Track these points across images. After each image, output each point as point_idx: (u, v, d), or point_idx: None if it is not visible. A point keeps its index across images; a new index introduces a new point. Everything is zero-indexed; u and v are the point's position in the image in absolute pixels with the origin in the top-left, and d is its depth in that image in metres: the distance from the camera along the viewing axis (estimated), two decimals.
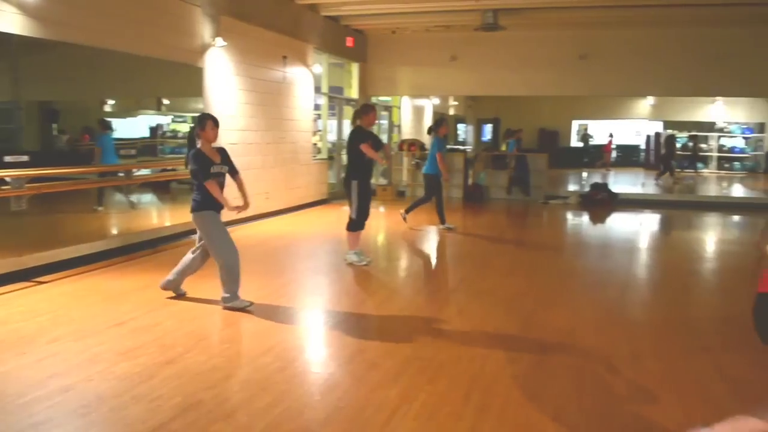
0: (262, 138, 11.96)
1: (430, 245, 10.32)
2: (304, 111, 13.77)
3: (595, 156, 28.13)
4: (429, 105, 23.20)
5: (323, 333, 5.65)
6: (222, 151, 6.13)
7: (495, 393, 4.19)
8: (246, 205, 6.22)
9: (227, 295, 6.03)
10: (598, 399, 4.15)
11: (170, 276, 6.31)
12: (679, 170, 22.51)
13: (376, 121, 8.26)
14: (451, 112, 26.66)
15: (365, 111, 8.10)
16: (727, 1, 12.85)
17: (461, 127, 29.23)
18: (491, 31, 14.45)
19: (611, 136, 27.29)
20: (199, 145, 5.96)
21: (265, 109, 12.14)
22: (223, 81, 10.79)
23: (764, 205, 15.78)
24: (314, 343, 5.45)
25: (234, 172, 6.20)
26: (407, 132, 20.76)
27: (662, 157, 22.60)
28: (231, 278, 6.00)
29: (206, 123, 5.91)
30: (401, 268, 8.64)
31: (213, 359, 4.78)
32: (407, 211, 11.33)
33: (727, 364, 4.85)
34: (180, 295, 6.36)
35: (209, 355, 4.87)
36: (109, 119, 9.84)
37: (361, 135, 7.92)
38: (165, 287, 6.33)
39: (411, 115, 21.60)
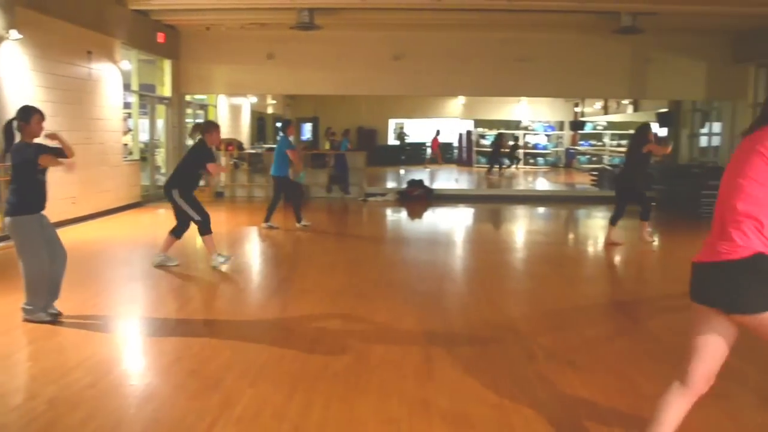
0: (67, 139, 11.18)
1: (252, 246, 10.17)
2: (112, 110, 13.07)
3: (411, 154, 29.12)
4: (247, 104, 22.85)
5: (139, 343, 5.39)
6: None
7: (318, 390, 4.19)
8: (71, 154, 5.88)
9: (29, 306, 5.58)
10: (419, 388, 4.26)
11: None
12: (506, 166, 24.03)
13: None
14: (270, 110, 26.43)
15: (210, 128, 8.02)
16: (530, 8, 13.70)
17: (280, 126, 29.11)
18: (307, 30, 14.47)
19: (438, 133, 28.12)
20: (18, 140, 5.49)
21: (70, 108, 11.38)
22: (20, 77, 9.97)
23: (566, 196, 17.08)
24: (129, 353, 5.18)
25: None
26: (225, 131, 20.27)
27: (491, 153, 23.96)
28: (33, 289, 5.54)
29: (32, 116, 5.47)
30: (222, 270, 8.43)
31: (15, 379, 4.42)
32: (267, 220, 11.21)
33: (535, 346, 5.16)
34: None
35: (11, 375, 4.49)
36: None
37: (206, 152, 7.85)
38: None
39: (228, 114, 21.16)
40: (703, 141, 19.73)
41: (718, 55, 16.48)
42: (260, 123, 25.53)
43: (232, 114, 21.66)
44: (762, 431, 3.68)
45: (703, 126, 19.76)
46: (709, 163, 17.96)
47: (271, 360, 4.78)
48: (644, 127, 9.99)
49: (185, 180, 7.88)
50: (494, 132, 27.53)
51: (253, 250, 9.88)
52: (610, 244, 9.90)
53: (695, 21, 14.75)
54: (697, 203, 13.33)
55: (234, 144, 16.91)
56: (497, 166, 24.42)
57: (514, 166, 26.34)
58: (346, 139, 17.96)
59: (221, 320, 5.95)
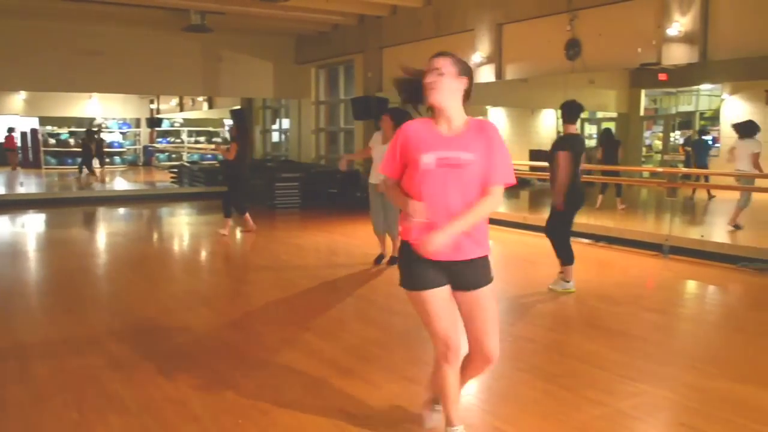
0: None
1: None
2: None
3: None
4: None
5: None
6: None
7: None
8: None
9: None
10: None
11: None
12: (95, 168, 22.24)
13: None
14: None
15: None
16: None
17: None
18: None
19: (11, 131, 24.90)
20: None
21: None
22: None
23: (146, 195, 16.66)
24: None
25: None
26: None
27: (83, 154, 22.03)
28: None
29: None
30: None
31: None
32: None
33: (120, 354, 4.90)
34: None
35: None
36: None
37: None
38: None
39: None
40: (275, 136, 21.04)
41: (283, 56, 17.67)
42: None
43: None
44: (341, 401, 4.00)
45: (274, 122, 21.06)
46: (282, 158, 19.21)
47: None
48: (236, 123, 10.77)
49: None
50: (66, 130, 25.66)
51: None
52: (246, 232, 10.64)
53: (261, 23, 15.56)
54: (272, 195, 14.12)
55: None
56: (91, 167, 22.68)
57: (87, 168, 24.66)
58: None
59: None
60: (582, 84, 12.63)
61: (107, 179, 21.76)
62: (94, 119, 27.15)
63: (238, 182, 10.41)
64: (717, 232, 10.15)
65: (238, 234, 10.66)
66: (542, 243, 7.25)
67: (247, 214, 10.58)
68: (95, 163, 22.31)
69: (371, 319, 6.03)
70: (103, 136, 26.35)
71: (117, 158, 27.21)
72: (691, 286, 7.85)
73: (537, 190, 15.80)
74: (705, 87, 15.58)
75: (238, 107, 19.90)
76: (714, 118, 16.25)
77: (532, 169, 15.03)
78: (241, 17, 14.76)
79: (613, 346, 5.16)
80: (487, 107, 18.15)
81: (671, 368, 4.71)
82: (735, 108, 14.69)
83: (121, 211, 14.68)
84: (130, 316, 6.13)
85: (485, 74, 11.96)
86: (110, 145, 26.98)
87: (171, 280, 8.08)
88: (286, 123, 20.11)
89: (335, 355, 4.89)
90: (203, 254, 9.90)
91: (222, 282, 8.02)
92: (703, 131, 14.95)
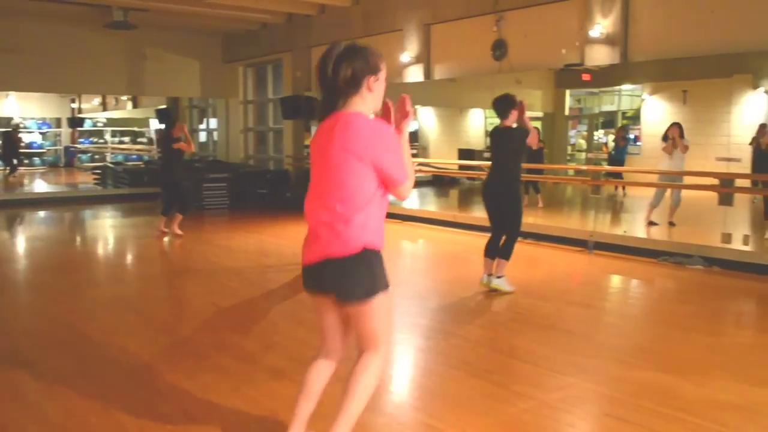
0: None
1: None
2: None
3: None
4: None
5: None
6: None
7: None
8: None
9: None
10: None
11: None
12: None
13: None
14: None
15: None
16: None
17: None
18: None
19: None
20: None
21: None
22: None
23: (68, 197, 16.13)
24: None
25: None
26: None
27: (3, 154, 20.99)
28: None
29: None
30: None
31: None
32: None
33: (38, 361, 4.73)
34: None
35: None
36: None
37: None
38: None
39: None
40: (203, 136, 20.69)
41: (210, 54, 17.40)
42: None
43: None
44: (272, 403, 3.94)
45: (201, 122, 20.70)
46: (209, 158, 18.90)
47: None
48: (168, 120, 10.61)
49: None
50: None
51: None
52: (170, 232, 10.37)
53: (186, 20, 15.27)
54: (200, 196, 13.87)
55: None
56: (11, 167, 21.69)
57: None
58: None
59: None
60: (509, 84, 12.79)
61: (26, 181, 20.98)
62: (11, 119, 26.10)
63: (172, 183, 10.28)
64: (638, 228, 10.47)
65: (166, 238, 10.41)
66: (472, 241, 7.32)
67: (180, 217, 10.32)
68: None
69: (302, 320, 5.98)
70: (21, 135, 25.37)
71: (37, 159, 26.21)
72: (615, 280, 8.08)
73: (466, 189, 15.99)
74: (626, 87, 16.06)
75: (164, 107, 19.53)
76: (635, 117, 16.76)
77: (461, 168, 15.21)
78: (166, 14, 14.44)
79: (540, 341, 5.26)
80: (416, 107, 18.25)
81: (597, 361, 4.84)
82: (655, 108, 15.18)
83: (42, 214, 14.17)
84: (52, 323, 5.91)
85: (414, 74, 12.03)
86: (29, 145, 25.96)
87: (95, 285, 7.83)
88: (213, 123, 19.79)
89: (266, 358, 4.83)
90: (129, 258, 9.65)
91: (149, 286, 7.81)
92: (624, 130, 15.41)
